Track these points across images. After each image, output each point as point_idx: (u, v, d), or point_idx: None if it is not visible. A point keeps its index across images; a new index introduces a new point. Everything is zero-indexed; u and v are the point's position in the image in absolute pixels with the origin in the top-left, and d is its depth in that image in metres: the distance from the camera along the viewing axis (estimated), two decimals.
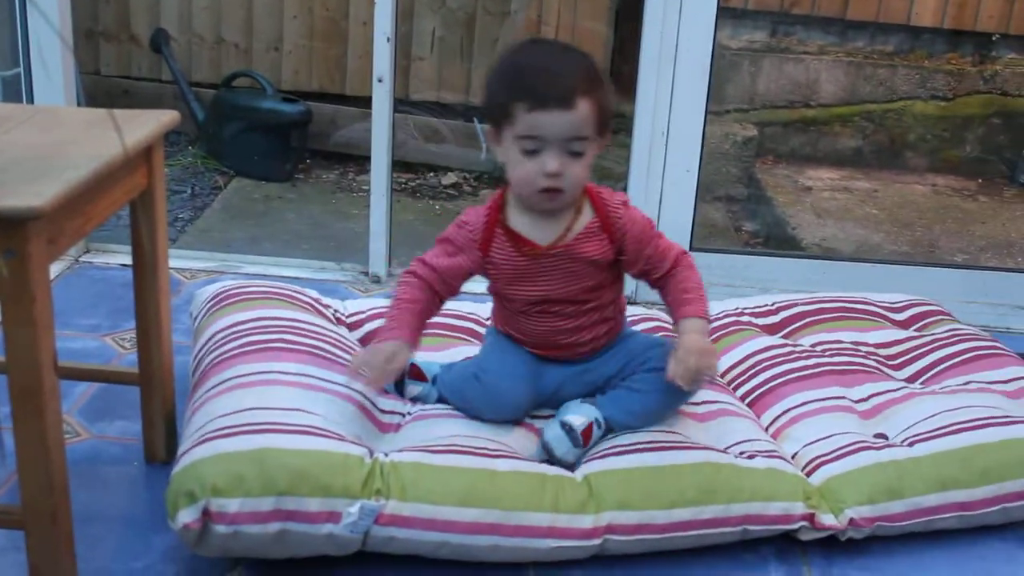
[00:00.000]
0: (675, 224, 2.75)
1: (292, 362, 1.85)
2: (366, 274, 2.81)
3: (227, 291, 2.13)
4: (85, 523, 1.72)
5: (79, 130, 1.63)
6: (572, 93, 1.64)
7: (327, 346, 1.95)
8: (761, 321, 2.39)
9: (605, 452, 1.78)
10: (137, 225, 1.77)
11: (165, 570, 1.64)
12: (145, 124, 1.67)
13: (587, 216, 1.78)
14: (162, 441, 1.90)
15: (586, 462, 1.77)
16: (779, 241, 3.85)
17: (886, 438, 1.96)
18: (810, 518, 1.77)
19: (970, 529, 1.87)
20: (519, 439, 1.82)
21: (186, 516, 1.56)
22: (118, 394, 2.09)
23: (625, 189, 2.76)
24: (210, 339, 1.96)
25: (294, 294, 2.16)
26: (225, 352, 1.88)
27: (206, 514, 1.56)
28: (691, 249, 2.79)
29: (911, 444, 1.91)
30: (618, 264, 1.82)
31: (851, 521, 1.79)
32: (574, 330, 1.84)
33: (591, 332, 1.86)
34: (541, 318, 1.83)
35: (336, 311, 2.22)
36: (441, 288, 1.81)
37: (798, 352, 2.22)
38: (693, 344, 1.74)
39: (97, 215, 1.56)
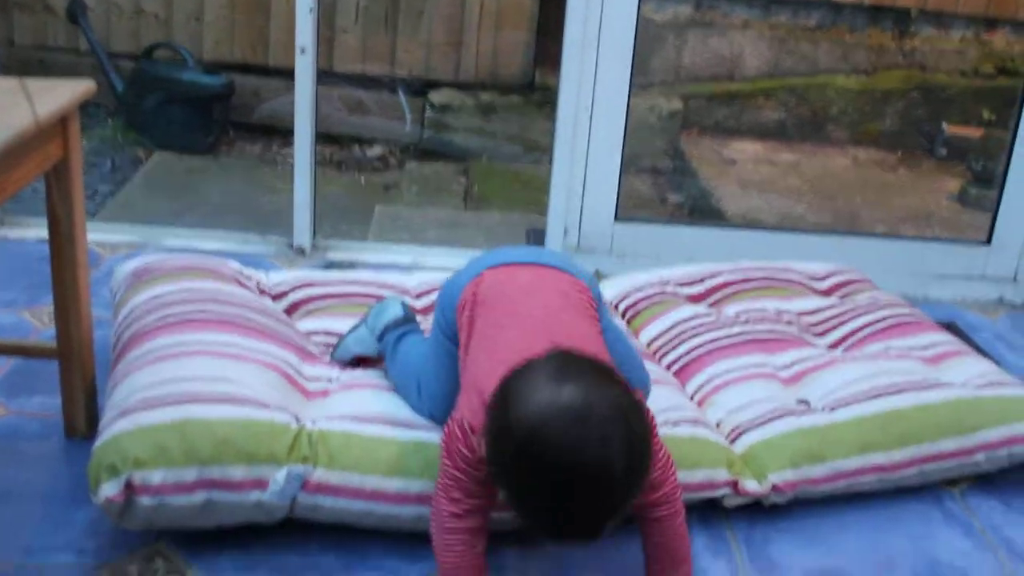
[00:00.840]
0: (600, 195, 2.76)
1: (214, 332, 1.82)
2: (291, 246, 2.78)
3: (147, 265, 2.10)
4: (4, 501, 1.70)
5: None
6: (600, 531, 1.29)
7: (250, 315, 1.93)
8: (686, 291, 2.41)
9: None
10: (52, 197, 1.73)
11: (87, 544, 1.62)
12: (59, 94, 1.63)
13: None
14: (83, 415, 1.87)
15: None
16: (704, 212, 3.88)
17: (808, 404, 1.99)
18: (733, 484, 1.79)
19: (888, 491, 1.91)
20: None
21: (108, 490, 1.53)
22: (37, 369, 2.04)
23: (551, 162, 2.76)
24: (130, 313, 1.93)
25: (216, 266, 2.13)
26: (145, 325, 1.85)
27: (129, 487, 1.54)
28: (616, 219, 2.80)
29: (832, 409, 1.95)
30: None
31: (774, 487, 1.81)
32: None
33: None
34: None
35: (259, 282, 2.19)
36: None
37: (722, 321, 2.24)
38: None
39: (9, 187, 1.52)
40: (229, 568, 1.59)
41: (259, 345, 1.83)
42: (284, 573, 1.59)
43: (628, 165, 2.85)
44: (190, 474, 1.56)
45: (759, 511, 1.83)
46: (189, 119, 3.96)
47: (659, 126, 4.25)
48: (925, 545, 1.80)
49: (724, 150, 4.43)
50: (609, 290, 2.44)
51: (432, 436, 1.69)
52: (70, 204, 1.73)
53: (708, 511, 1.82)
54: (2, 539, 1.57)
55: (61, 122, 1.65)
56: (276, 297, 2.17)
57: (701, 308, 2.32)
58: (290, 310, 2.13)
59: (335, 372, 1.89)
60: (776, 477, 1.82)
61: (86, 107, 1.78)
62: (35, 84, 1.67)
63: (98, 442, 1.59)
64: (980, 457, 1.94)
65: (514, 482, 1.29)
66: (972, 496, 1.96)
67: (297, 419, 1.67)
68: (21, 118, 1.49)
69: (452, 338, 1.64)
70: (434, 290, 2.25)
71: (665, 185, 4.12)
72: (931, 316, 2.46)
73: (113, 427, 1.60)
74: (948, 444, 1.92)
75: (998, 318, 2.77)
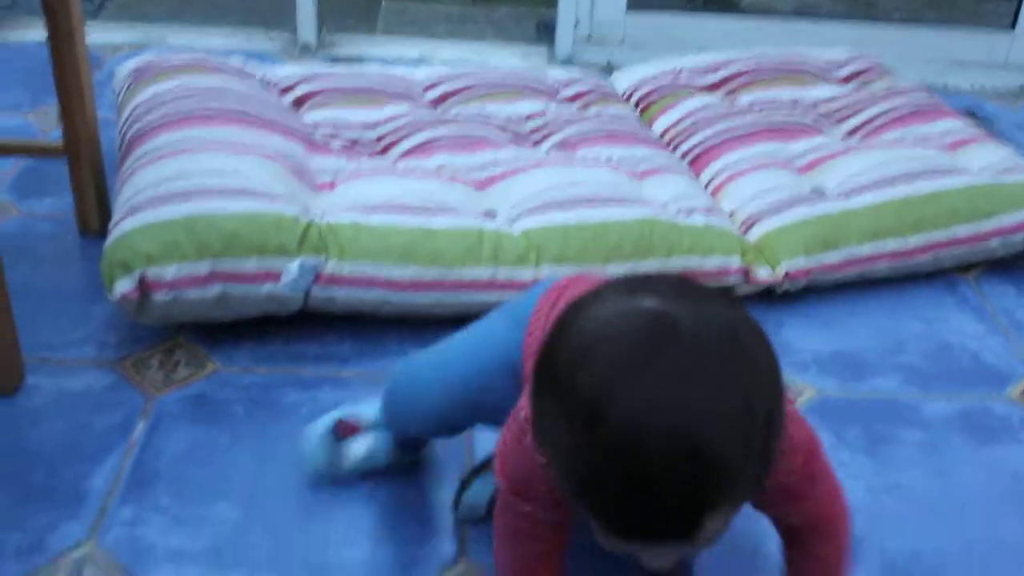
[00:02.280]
0: None
1: (219, 127, 1.80)
2: (296, 43, 2.72)
3: (148, 64, 2.06)
4: (23, 297, 1.70)
5: None
6: (697, 521, 0.80)
7: (254, 108, 1.90)
8: (700, 80, 2.36)
9: (544, 206, 1.77)
10: None
11: (107, 339, 1.64)
12: None
13: None
14: (94, 213, 1.86)
15: (524, 216, 1.76)
16: (718, 0, 3.77)
17: (823, 193, 1.97)
18: (745, 273, 1.80)
19: (901, 277, 1.92)
20: (459, 195, 1.80)
21: (123, 287, 1.54)
22: (46, 170, 2.04)
23: None
24: (132, 112, 1.90)
25: (218, 63, 2.09)
26: (149, 123, 1.83)
27: (143, 283, 1.54)
28: (629, 9, 2.72)
29: (847, 196, 1.93)
30: None
31: (787, 274, 1.81)
32: None
33: None
34: None
35: (264, 76, 2.15)
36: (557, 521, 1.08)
37: (736, 110, 2.20)
38: None
39: None
40: (247, 358, 1.62)
41: (265, 138, 1.81)
42: (301, 362, 1.62)
43: None
44: (203, 268, 1.56)
45: (773, 298, 1.84)
46: None
47: None
48: (936, 328, 1.82)
49: None
50: (621, 81, 2.40)
51: (440, 221, 1.67)
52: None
53: None
54: (24, 335, 1.59)
55: None
56: (283, 91, 2.13)
57: (715, 98, 2.28)
58: (297, 103, 2.09)
59: (342, 163, 1.87)
60: (789, 264, 1.81)
61: None
62: None
63: (109, 240, 1.59)
64: (995, 243, 1.93)
65: (570, 445, 0.81)
66: (986, 281, 1.96)
67: (306, 211, 1.66)
68: None
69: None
70: (444, 81, 2.21)
71: None
72: (951, 105, 2.41)
73: (123, 225, 1.59)
74: (963, 230, 1.91)
75: (1018, 107, 2.72)
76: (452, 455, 1.45)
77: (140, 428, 1.47)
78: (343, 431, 1.35)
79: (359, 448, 1.35)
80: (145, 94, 1.95)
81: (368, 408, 1.38)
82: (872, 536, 1.37)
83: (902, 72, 2.50)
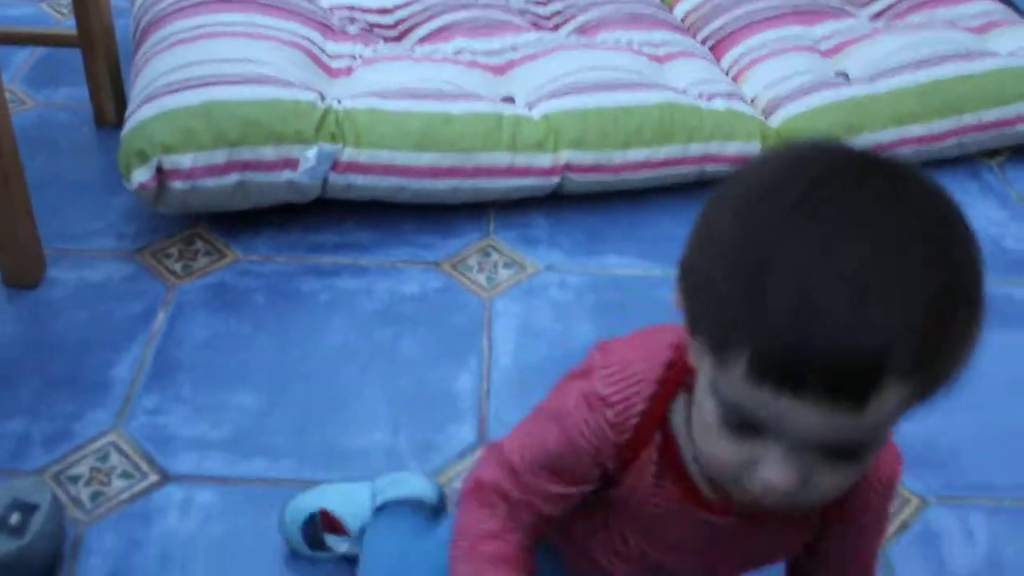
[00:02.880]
0: None
1: (233, 13, 1.77)
2: None
3: None
4: (41, 188, 1.71)
5: None
6: (876, 378, 0.62)
7: None
8: None
9: (563, 90, 1.74)
10: None
11: (126, 229, 1.64)
12: None
13: None
14: (111, 103, 1.85)
15: (543, 101, 1.73)
16: None
17: (847, 76, 1.94)
18: None
19: (926, 163, 1.89)
20: (477, 80, 1.78)
21: (140, 175, 1.54)
22: (61, 60, 2.02)
23: None
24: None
25: None
26: (163, 9, 1.80)
27: (160, 172, 1.54)
28: None
29: (871, 81, 1.89)
30: None
31: None
32: None
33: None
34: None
35: None
36: (540, 524, 0.88)
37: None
38: None
39: None
40: (266, 247, 1.62)
41: (280, 23, 1.78)
42: (320, 251, 1.62)
43: None
44: (220, 156, 1.55)
45: None
46: None
47: None
48: None
49: None
50: None
51: (459, 106, 1.66)
52: None
53: None
54: (43, 225, 1.60)
55: None
56: None
57: None
58: None
59: (359, 48, 1.84)
60: None
61: None
62: None
63: (126, 129, 1.58)
64: (1021, 127, 1.90)
65: (723, 240, 0.65)
66: (1010, 167, 1.93)
67: (323, 97, 1.64)
68: None
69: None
70: None
71: None
72: None
73: (139, 113, 1.58)
74: (989, 114, 1.87)
75: None
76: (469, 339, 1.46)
77: (161, 317, 1.48)
78: (326, 524, 1.17)
79: (339, 546, 1.17)
80: None
81: (356, 506, 1.17)
82: None
83: None
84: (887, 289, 0.61)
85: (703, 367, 0.70)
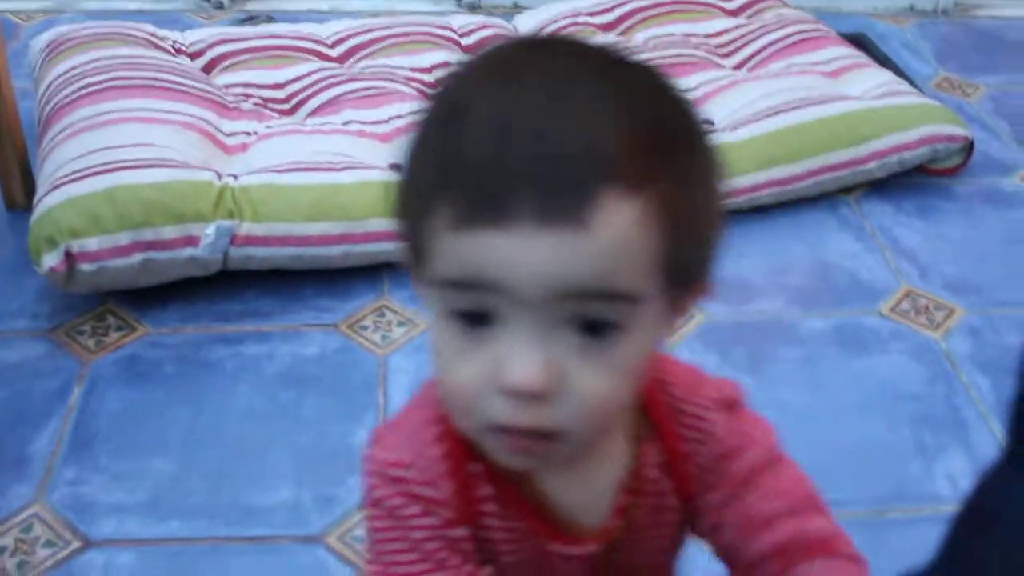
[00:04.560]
0: None
1: (132, 99, 1.88)
2: (208, 0, 2.78)
3: (60, 38, 2.12)
4: None
5: None
6: (585, 185, 0.58)
7: (165, 76, 1.98)
8: (597, 20, 2.46)
9: None
10: None
11: (40, 309, 1.74)
12: None
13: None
14: (19, 187, 1.94)
15: None
16: None
17: (713, 124, 2.10)
18: None
19: (786, 203, 2.05)
20: (365, 149, 1.90)
21: (50, 260, 1.64)
22: None
23: None
24: (48, 87, 1.98)
25: (128, 31, 2.16)
26: (65, 97, 1.91)
27: (69, 256, 1.64)
28: None
29: (734, 129, 2.05)
30: None
31: None
32: None
33: None
34: None
35: (175, 42, 2.22)
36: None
37: (631, 49, 2.31)
38: None
39: None
40: (175, 319, 1.73)
41: (177, 106, 1.89)
42: (225, 319, 1.73)
43: None
44: (124, 238, 1.66)
45: None
46: None
47: None
48: (818, 249, 1.96)
49: None
50: (523, 24, 2.49)
51: (348, 176, 1.78)
52: None
53: None
54: None
55: None
56: (193, 56, 2.21)
57: (611, 37, 2.38)
58: (207, 68, 2.17)
59: (253, 124, 1.96)
60: None
61: None
62: None
63: (34, 216, 1.68)
64: (872, 165, 2.07)
65: (417, 136, 0.65)
66: (866, 202, 2.10)
67: (219, 176, 1.76)
68: None
69: None
70: (350, 35, 2.29)
71: None
72: (841, 28, 2.54)
73: (46, 201, 1.68)
74: (842, 155, 2.04)
75: (907, 26, 2.85)
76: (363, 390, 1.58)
77: (77, 392, 1.58)
78: None
79: None
80: (60, 68, 2.02)
81: None
82: None
83: None
84: (583, 106, 0.60)
85: (425, 285, 0.65)
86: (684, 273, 0.65)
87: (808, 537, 0.77)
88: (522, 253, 0.58)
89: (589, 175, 0.58)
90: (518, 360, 0.61)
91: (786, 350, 1.72)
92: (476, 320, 0.62)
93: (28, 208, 1.91)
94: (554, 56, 0.65)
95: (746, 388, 1.60)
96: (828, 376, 1.67)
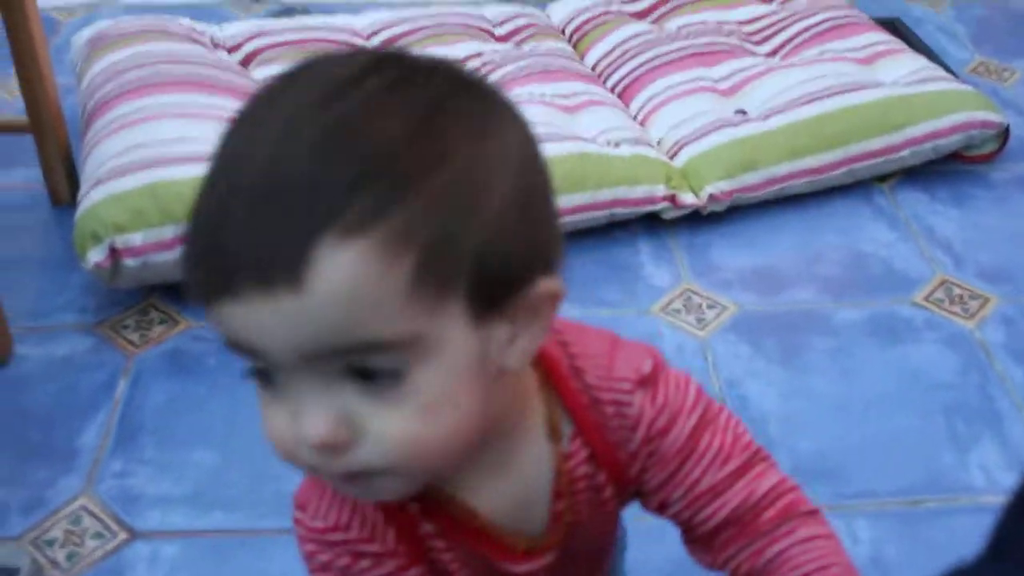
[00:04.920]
0: None
1: (172, 94, 1.91)
2: None
3: (100, 33, 2.16)
4: (4, 270, 1.85)
5: None
6: (305, 240, 0.56)
7: (205, 71, 2.02)
8: (629, 8, 2.47)
9: None
10: None
11: (87, 303, 1.78)
12: None
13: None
14: (64, 184, 1.98)
15: None
16: None
17: (746, 113, 2.10)
18: (672, 199, 1.93)
19: (819, 192, 2.06)
20: None
21: (95, 256, 1.68)
22: (13, 143, 2.14)
23: None
24: (90, 83, 2.02)
25: (167, 26, 2.19)
26: (107, 94, 1.94)
27: (113, 251, 1.68)
28: None
29: (766, 118, 2.06)
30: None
31: (711, 197, 1.95)
32: None
33: None
34: None
35: (212, 36, 2.26)
36: None
37: (664, 37, 2.32)
38: None
39: None
40: None
41: (216, 100, 1.92)
42: None
43: None
44: (168, 232, 1.69)
45: (700, 219, 1.98)
46: None
47: None
48: (852, 238, 1.96)
49: None
50: (557, 13, 2.50)
51: None
52: None
53: (654, 223, 1.97)
54: (9, 305, 1.73)
55: None
56: (231, 50, 2.24)
57: (644, 25, 2.39)
58: (245, 61, 2.20)
59: None
60: (712, 188, 1.95)
61: None
62: None
63: (79, 212, 1.72)
64: (906, 153, 2.07)
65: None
66: (900, 190, 2.10)
67: None
68: None
69: None
70: (385, 28, 2.32)
71: None
72: (877, 13, 2.53)
73: (90, 196, 1.72)
74: (875, 143, 2.04)
75: (943, 9, 2.83)
76: None
77: (122, 385, 1.62)
78: None
79: None
80: (102, 63, 2.06)
81: None
82: (784, 439, 1.53)
83: None
84: (300, 154, 0.57)
85: None
86: (484, 287, 0.60)
87: (759, 499, 0.77)
88: (255, 321, 0.57)
89: (303, 228, 0.55)
90: (305, 417, 0.60)
91: (819, 340, 1.73)
92: (267, 377, 0.61)
93: (73, 204, 1.95)
94: (285, 93, 0.61)
95: (778, 378, 1.62)
96: (861, 366, 1.68)
